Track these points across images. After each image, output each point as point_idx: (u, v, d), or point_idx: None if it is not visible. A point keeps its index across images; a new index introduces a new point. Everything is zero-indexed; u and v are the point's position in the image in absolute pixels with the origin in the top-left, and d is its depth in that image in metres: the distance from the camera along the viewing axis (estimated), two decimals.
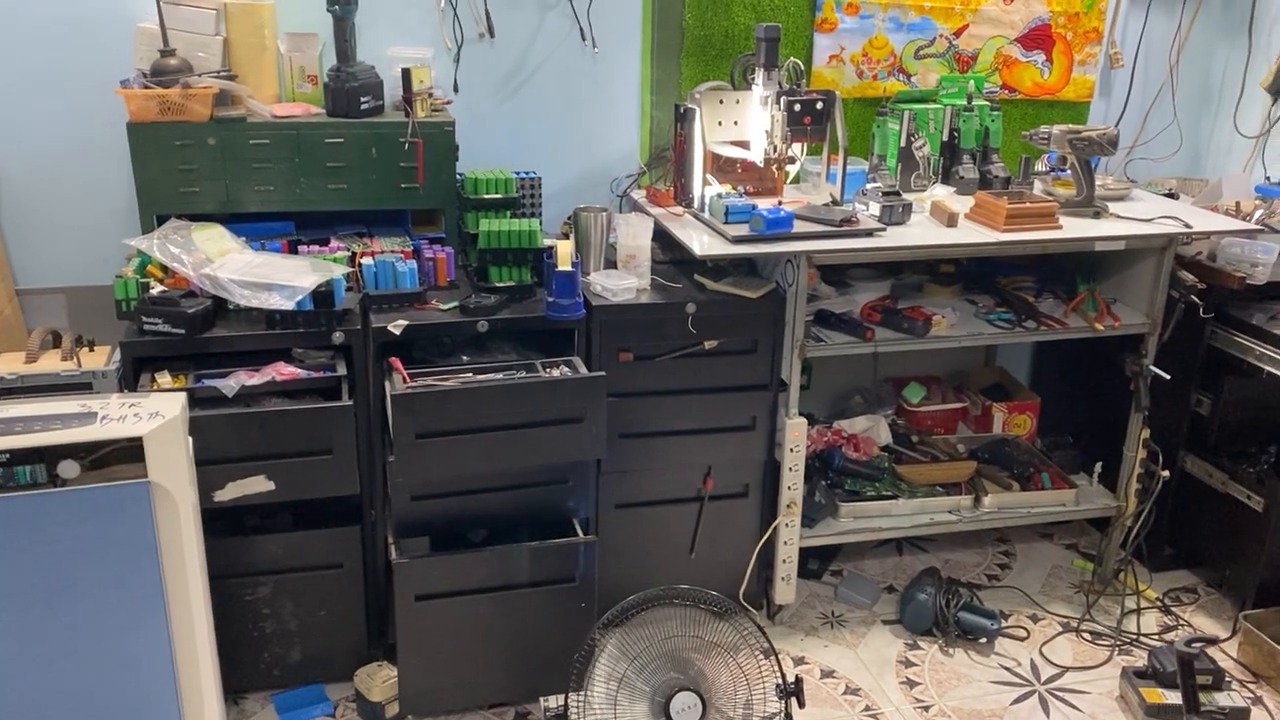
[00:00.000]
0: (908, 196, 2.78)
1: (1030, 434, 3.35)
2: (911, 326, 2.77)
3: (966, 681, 2.68)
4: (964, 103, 3.04)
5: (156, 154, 2.49)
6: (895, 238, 2.63)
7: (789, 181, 3.01)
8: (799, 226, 2.59)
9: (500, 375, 2.34)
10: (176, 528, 1.73)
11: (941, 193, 2.96)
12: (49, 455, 1.61)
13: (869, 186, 2.82)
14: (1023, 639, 2.85)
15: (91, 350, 2.43)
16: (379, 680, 2.44)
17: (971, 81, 3.09)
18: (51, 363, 2.36)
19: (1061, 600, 3.02)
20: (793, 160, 2.87)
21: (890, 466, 3.07)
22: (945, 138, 3.06)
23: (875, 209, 2.72)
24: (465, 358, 2.48)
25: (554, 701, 2.19)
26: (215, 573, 2.18)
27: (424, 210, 2.79)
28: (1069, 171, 2.88)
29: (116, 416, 1.67)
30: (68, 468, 1.63)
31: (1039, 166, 3.12)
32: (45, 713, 1.75)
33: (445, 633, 2.37)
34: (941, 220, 2.76)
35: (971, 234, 2.70)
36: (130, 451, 1.65)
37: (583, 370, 2.37)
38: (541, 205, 2.85)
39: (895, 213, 2.71)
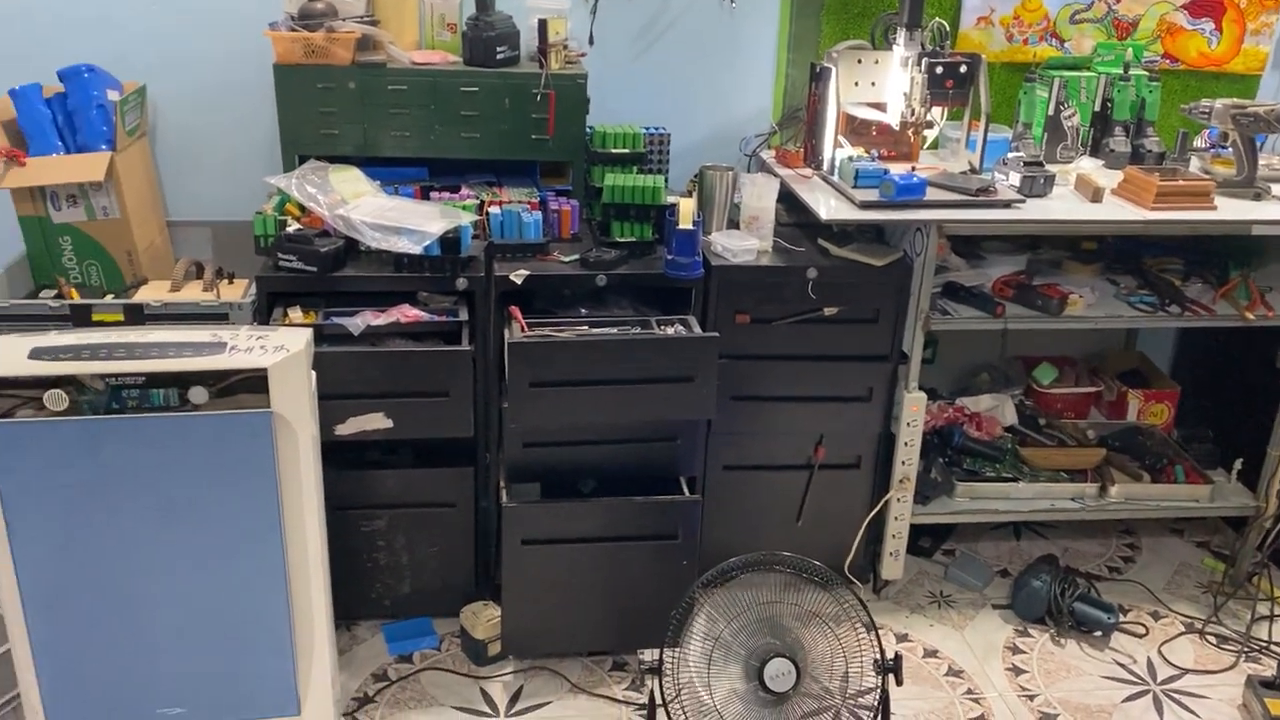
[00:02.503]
0: (1051, 168, 2.66)
1: (1167, 424, 3.18)
2: (1045, 304, 2.66)
3: (1077, 674, 2.59)
4: (1120, 71, 2.88)
5: (300, 95, 2.57)
6: (1034, 210, 2.52)
7: (926, 147, 2.91)
8: (932, 194, 2.50)
9: (615, 330, 2.35)
10: (295, 457, 1.81)
11: (1089, 166, 2.81)
12: (181, 380, 1.70)
13: (1010, 156, 2.70)
14: (1141, 636, 2.73)
15: (231, 283, 2.55)
16: (483, 619, 2.51)
17: (1130, 49, 2.92)
18: (193, 293, 2.49)
19: (1187, 600, 2.88)
20: (931, 125, 2.77)
21: (1013, 448, 2.96)
22: (1097, 108, 2.90)
23: (1015, 179, 2.61)
24: (583, 310, 2.50)
25: (649, 655, 2.21)
26: (335, 503, 2.27)
27: (553, 162, 2.81)
28: (1230, 149, 2.70)
29: (244, 348, 1.75)
30: (197, 393, 1.71)
31: (1198, 143, 2.93)
32: (166, 623, 1.87)
33: (549, 578, 2.42)
34: (1086, 195, 2.63)
35: (1117, 211, 2.56)
36: (256, 382, 1.72)
37: (697, 330, 2.36)
38: (669, 162, 2.83)
39: (1036, 184, 2.59)
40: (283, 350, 1.75)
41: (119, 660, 1.87)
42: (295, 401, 1.77)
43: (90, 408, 1.69)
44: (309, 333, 1.84)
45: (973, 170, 2.65)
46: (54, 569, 1.79)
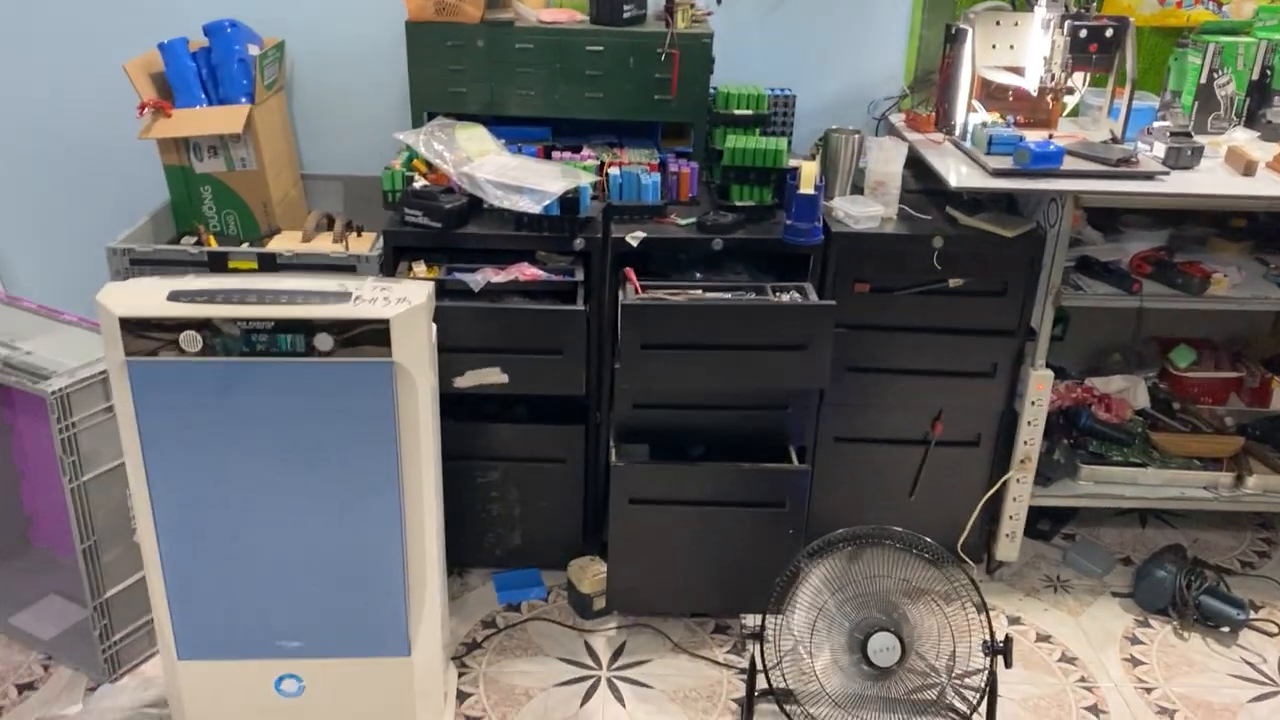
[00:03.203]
0: (1200, 139, 2.51)
1: None
2: (1186, 283, 2.52)
3: (1200, 670, 2.48)
4: None
5: (430, 53, 2.61)
6: (1178, 184, 2.39)
7: (1065, 114, 2.78)
8: (1069, 163, 2.40)
9: (729, 295, 2.33)
10: (415, 407, 1.85)
11: (1242, 137, 2.64)
12: (308, 327, 1.76)
13: (1156, 125, 2.57)
14: (1273, 635, 2.60)
15: (359, 235, 2.62)
16: (589, 574, 2.55)
17: None
18: (324, 244, 2.57)
19: None
20: (1071, 91, 2.65)
21: (1144, 432, 2.84)
22: (1255, 76, 2.72)
23: (1160, 150, 2.48)
24: (699, 274, 2.49)
25: (752, 620, 2.21)
26: (452, 453, 2.32)
27: (675, 124, 2.79)
28: None
29: (369, 298, 1.79)
30: (323, 340, 1.77)
31: None
32: (286, 560, 1.94)
33: (655, 538, 2.43)
34: (1237, 168, 2.47)
35: (1271, 185, 2.40)
36: (378, 332, 1.77)
37: (813, 297, 2.33)
38: (794, 125, 2.78)
39: (1183, 156, 2.45)
40: (405, 302, 1.79)
41: (242, 592, 1.97)
42: (415, 352, 1.81)
43: (222, 349, 1.76)
44: (430, 286, 1.87)
45: (1114, 140, 2.52)
46: (186, 503, 1.89)
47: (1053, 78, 2.57)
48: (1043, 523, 2.93)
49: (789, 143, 2.61)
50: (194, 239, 2.67)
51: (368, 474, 1.88)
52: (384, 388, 1.82)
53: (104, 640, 2.29)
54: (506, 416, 2.60)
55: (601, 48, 2.62)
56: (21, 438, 2.60)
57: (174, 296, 1.77)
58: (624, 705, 2.32)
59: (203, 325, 1.75)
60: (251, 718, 2.08)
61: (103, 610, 2.27)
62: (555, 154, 2.65)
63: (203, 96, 2.67)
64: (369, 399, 1.82)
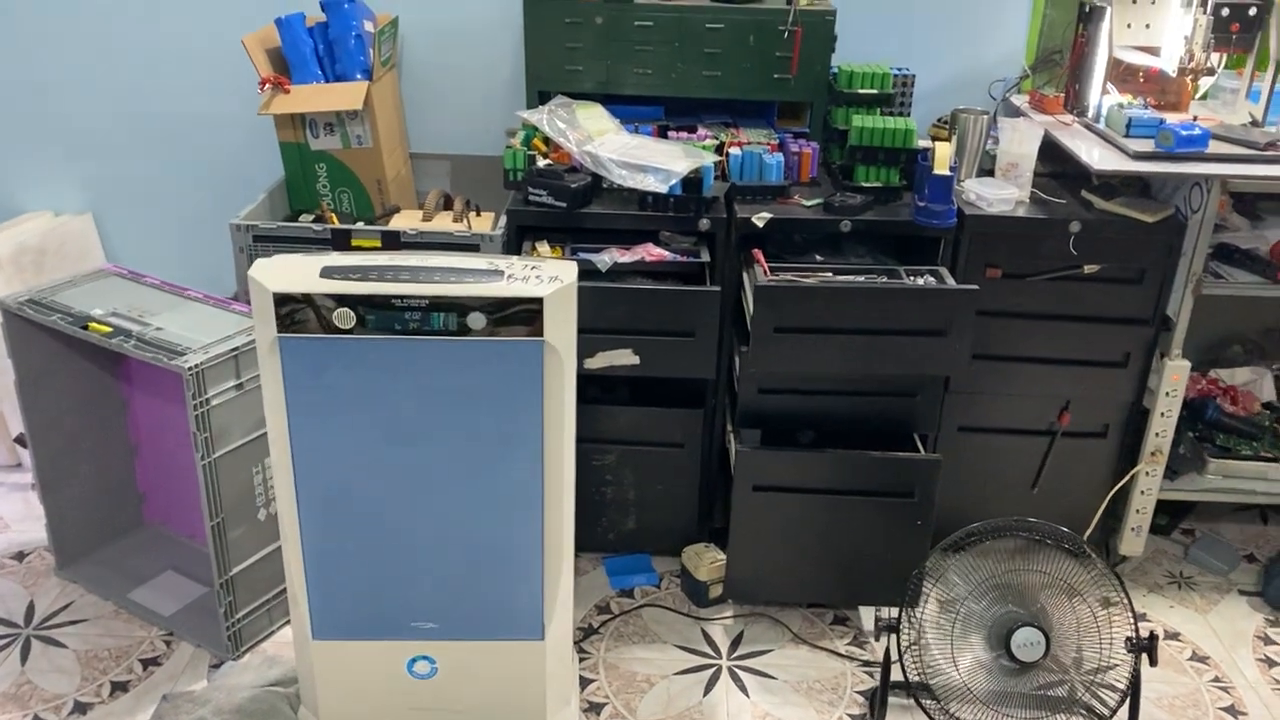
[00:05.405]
0: None
1: None
2: None
3: None
4: None
5: (547, 30, 2.57)
6: None
7: (1196, 97, 2.69)
8: (1214, 147, 2.31)
9: (861, 278, 2.28)
10: (560, 387, 1.81)
11: None
12: (461, 306, 1.72)
13: None
14: None
15: (479, 215, 2.59)
16: (706, 561, 2.51)
17: None
18: (444, 223, 2.54)
19: None
20: (1211, 71, 2.56)
21: (1272, 426, 2.75)
22: None
23: None
24: (818, 257, 2.44)
25: (886, 613, 2.16)
26: None
27: (789, 103, 2.74)
28: None
29: (520, 276, 1.76)
30: (475, 319, 1.74)
31: None
32: (427, 540, 1.92)
33: (776, 526, 2.39)
34: None
35: None
36: (530, 312, 1.73)
37: (949, 281, 2.26)
38: (912, 104, 2.72)
39: None
40: (557, 281, 1.75)
41: (380, 573, 1.94)
42: (564, 332, 1.77)
43: (374, 327, 1.74)
44: (574, 265, 1.83)
45: (1254, 123, 2.44)
46: (328, 481, 1.87)
47: (1192, 58, 2.48)
48: (1161, 517, 2.85)
49: None
50: (311, 217, 2.66)
51: (511, 455, 1.85)
52: (534, 367, 1.79)
53: (229, 617, 2.29)
54: (611, 399, 2.55)
55: (722, 25, 2.56)
56: (136, 414, 2.60)
57: (327, 273, 1.74)
58: (748, 695, 2.29)
59: (356, 302, 1.72)
60: (382, 698, 2.07)
61: (228, 587, 2.26)
62: (671, 134, 2.61)
63: (319, 72, 2.65)
64: (517, 379, 1.79)
